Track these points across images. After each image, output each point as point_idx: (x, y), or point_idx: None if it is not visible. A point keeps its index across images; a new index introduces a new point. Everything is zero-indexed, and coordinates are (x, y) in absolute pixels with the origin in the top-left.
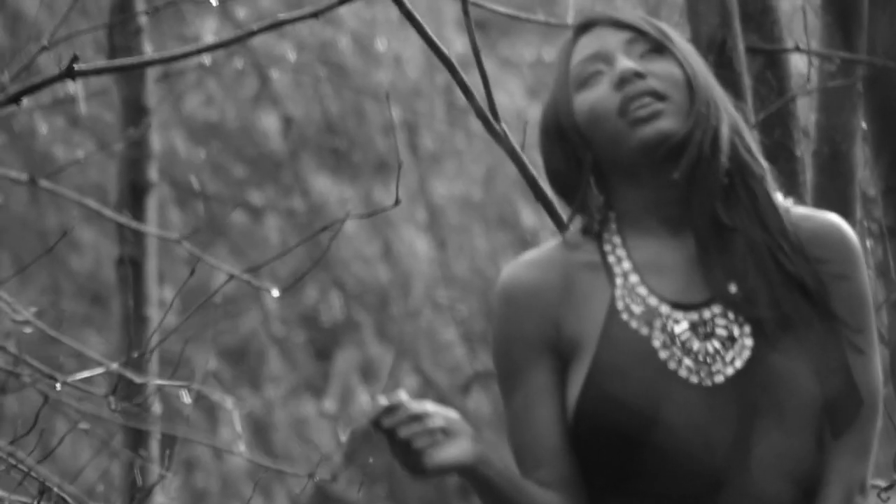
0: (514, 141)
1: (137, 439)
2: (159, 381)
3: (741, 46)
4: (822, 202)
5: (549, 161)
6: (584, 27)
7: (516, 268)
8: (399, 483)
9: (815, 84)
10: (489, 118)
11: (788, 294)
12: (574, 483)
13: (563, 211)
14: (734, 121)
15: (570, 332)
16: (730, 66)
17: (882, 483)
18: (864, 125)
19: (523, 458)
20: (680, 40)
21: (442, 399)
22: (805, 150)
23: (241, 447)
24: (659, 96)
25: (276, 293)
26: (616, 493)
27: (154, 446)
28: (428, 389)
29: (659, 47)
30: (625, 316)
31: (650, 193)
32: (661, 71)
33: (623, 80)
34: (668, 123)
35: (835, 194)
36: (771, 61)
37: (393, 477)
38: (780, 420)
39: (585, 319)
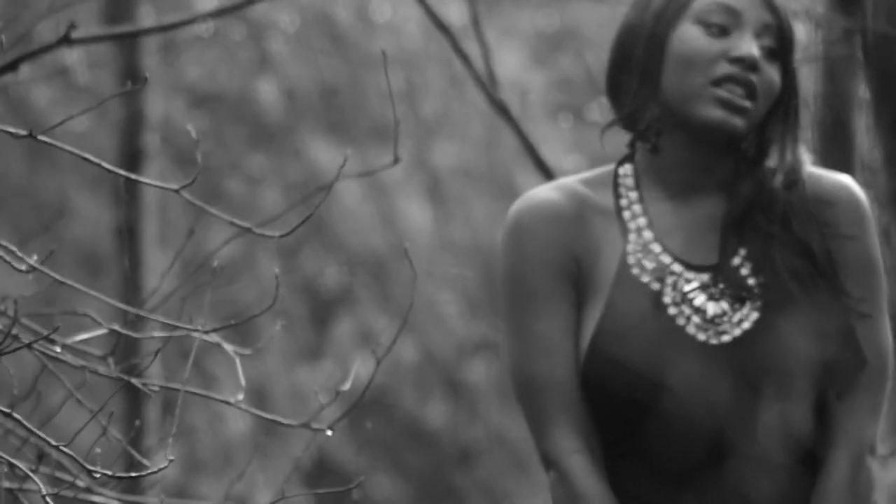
0: (514, 110)
1: (136, 403)
2: (159, 334)
3: None
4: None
5: (618, 57)
6: None
7: (535, 196)
8: (398, 450)
9: (817, 52)
10: (488, 87)
11: (797, 259)
12: (593, 438)
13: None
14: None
15: (587, 270)
16: None
17: (882, 451)
18: (864, 93)
19: (540, 389)
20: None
21: (441, 369)
22: (806, 120)
23: (240, 396)
24: (753, 96)
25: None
26: (618, 461)
27: (153, 411)
28: (427, 359)
29: (780, 51)
30: (636, 270)
31: (681, 151)
32: (768, 76)
33: (741, 60)
34: (741, 123)
35: (837, 163)
36: None
37: (393, 443)
38: (784, 387)
39: (598, 265)
